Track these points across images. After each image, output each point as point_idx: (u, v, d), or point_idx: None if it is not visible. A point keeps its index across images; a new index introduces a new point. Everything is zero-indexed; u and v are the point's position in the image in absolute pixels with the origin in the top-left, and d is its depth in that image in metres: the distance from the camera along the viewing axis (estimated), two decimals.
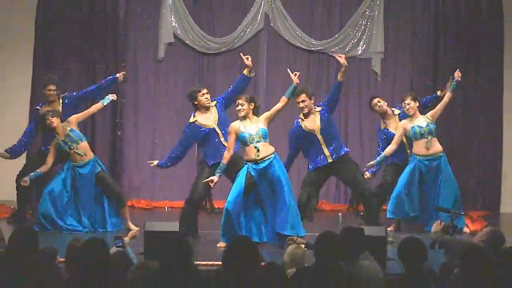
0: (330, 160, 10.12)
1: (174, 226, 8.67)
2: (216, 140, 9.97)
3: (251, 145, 9.44)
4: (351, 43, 13.27)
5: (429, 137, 10.67)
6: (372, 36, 13.24)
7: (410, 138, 10.79)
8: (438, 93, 11.21)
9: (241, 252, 5.47)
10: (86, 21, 13.07)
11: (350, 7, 13.30)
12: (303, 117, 10.05)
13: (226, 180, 10.28)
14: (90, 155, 10.64)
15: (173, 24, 13.18)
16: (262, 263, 5.85)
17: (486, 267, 5.62)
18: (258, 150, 9.42)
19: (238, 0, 13.34)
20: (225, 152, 9.56)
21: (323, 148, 10.13)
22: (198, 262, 5.79)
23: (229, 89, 10.16)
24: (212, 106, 10.03)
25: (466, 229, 10.80)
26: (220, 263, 5.79)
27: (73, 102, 11.03)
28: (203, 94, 9.96)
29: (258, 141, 9.45)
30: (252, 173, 9.41)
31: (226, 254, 5.53)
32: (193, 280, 5.47)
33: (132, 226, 10.63)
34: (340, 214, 12.27)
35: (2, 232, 8.13)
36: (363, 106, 13.21)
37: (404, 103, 10.72)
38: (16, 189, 11.02)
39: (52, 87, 10.94)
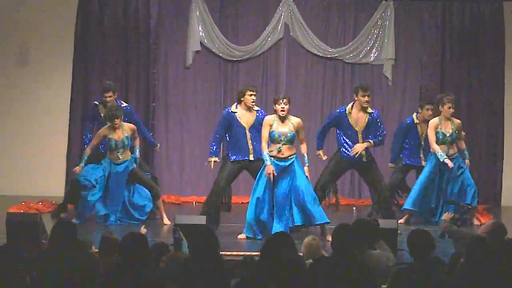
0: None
1: (202, 219, 8.70)
2: (245, 140, 9.98)
3: (277, 144, 9.49)
4: (364, 51, 13.25)
5: (447, 144, 10.71)
6: (384, 44, 13.22)
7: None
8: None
9: (280, 246, 5.50)
10: (121, 31, 13.11)
11: (363, 17, 13.28)
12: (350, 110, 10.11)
13: (247, 177, 10.33)
14: (128, 156, 10.70)
15: (200, 33, 13.20)
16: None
17: (489, 257, 5.61)
18: (279, 151, 9.48)
19: (260, 11, 13.34)
20: (262, 143, 9.54)
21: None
22: (222, 252, 5.79)
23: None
24: (254, 110, 10.06)
25: (476, 221, 10.81)
26: (241, 253, 5.79)
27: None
28: (251, 94, 9.96)
29: (284, 144, 9.50)
30: (275, 169, 9.44)
31: (265, 246, 5.54)
32: (218, 268, 5.48)
33: (166, 219, 10.68)
34: (354, 208, 12.26)
35: (44, 225, 8.21)
36: (375, 108, 13.17)
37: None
38: (70, 187, 11.06)
39: (108, 94, 10.98)
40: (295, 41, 13.26)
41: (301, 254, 6.35)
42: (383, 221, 7.62)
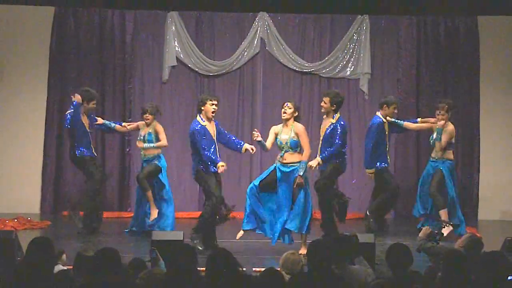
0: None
1: (179, 235, 8.65)
2: (215, 151, 9.92)
3: (281, 151, 9.62)
4: (340, 65, 13.30)
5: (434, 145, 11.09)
6: (360, 59, 13.27)
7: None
8: (419, 120, 11.56)
9: (220, 262, 5.47)
10: (96, 46, 13.10)
11: (339, 32, 13.34)
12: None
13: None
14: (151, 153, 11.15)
15: (177, 48, 13.19)
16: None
17: (466, 270, 5.62)
18: (281, 156, 9.59)
19: (236, 26, 13.35)
20: (267, 147, 9.73)
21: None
22: (201, 269, 5.74)
23: (224, 133, 10.20)
24: (212, 121, 10.01)
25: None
26: None
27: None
28: (213, 104, 9.92)
29: (286, 150, 9.55)
30: (277, 172, 9.57)
31: (207, 263, 5.52)
32: (196, 285, 5.44)
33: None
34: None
35: (19, 242, 8.14)
36: (352, 122, 13.22)
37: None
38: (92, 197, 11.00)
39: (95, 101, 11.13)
40: (272, 55, 13.29)
41: (279, 268, 6.31)
42: (361, 236, 7.61)
